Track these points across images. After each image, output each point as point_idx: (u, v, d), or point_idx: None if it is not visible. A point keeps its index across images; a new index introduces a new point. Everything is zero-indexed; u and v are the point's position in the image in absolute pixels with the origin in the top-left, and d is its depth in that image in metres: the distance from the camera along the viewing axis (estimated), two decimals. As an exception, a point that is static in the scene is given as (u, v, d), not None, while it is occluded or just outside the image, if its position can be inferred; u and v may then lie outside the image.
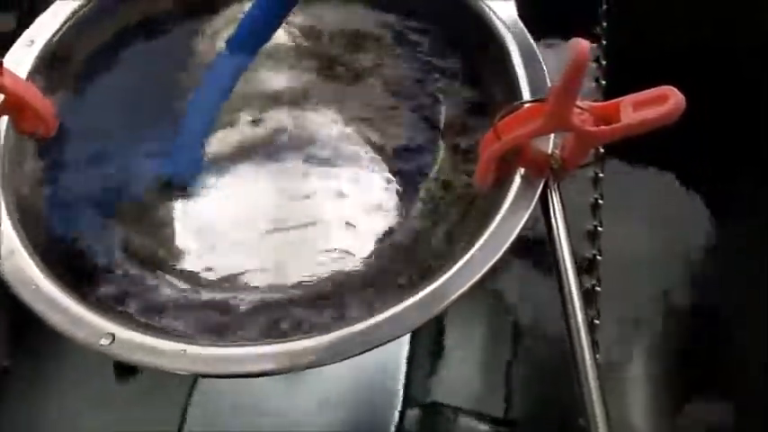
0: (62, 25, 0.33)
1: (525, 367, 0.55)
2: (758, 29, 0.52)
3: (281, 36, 0.35)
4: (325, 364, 0.24)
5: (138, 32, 0.34)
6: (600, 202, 0.40)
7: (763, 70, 0.52)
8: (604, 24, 0.48)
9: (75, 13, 0.34)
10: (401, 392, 0.49)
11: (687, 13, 0.53)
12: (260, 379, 0.48)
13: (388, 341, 0.24)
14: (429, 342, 0.55)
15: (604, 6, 0.49)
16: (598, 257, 0.38)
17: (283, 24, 0.33)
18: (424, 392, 0.52)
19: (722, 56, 0.53)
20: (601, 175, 0.41)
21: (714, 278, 0.55)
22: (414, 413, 0.50)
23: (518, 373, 0.55)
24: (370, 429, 0.48)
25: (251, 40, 0.33)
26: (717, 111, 0.47)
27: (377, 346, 0.24)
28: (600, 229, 0.39)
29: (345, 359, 0.24)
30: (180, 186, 0.32)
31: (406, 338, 0.51)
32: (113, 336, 0.24)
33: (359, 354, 0.25)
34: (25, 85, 0.31)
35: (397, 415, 0.48)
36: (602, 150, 0.42)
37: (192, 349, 0.24)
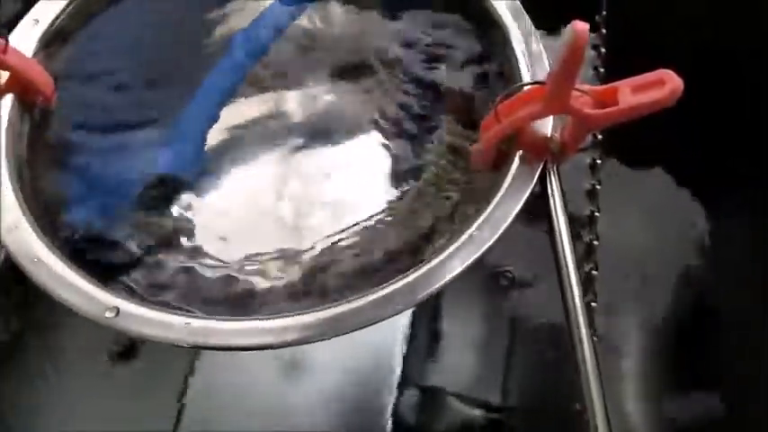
0: (66, 5, 0.34)
1: (522, 354, 0.56)
2: (758, 28, 0.52)
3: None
4: (324, 339, 0.25)
5: (143, 14, 0.35)
6: (597, 188, 0.41)
7: (762, 69, 0.52)
8: (604, 13, 0.49)
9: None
10: (398, 377, 0.50)
11: (687, 8, 0.54)
12: (259, 363, 0.49)
13: (388, 318, 0.25)
14: (426, 328, 0.55)
15: (604, 13, 0.49)
16: (595, 242, 0.38)
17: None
18: (420, 378, 0.53)
19: (721, 53, 0.54)
20: (598, 161, 0.42)
21: (707, 275, 0.55)
22: (410, 398, 0.51)
23: (514, 359, 0.56)
24: (367, 414, 0.49)
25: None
26: (715, 102, 0.48)
27: (374, 323, 0.25)
28: (597, 214, 0.40)
29: (340, 335, 0.25)
30: (180, 180, 0.32)
31: (405, 324, 0.52)
32: (118, 309, 0.25)
33: (356, 330, 0.25)
34: (30, 63, 0.32)
35: (393, 400, 0.49)
36: (599, 136, 0.43)
37: (196, 323, 0.24)
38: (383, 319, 0.25)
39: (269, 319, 0.24)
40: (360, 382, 0.50)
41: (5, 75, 0.31)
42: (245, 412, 0.50)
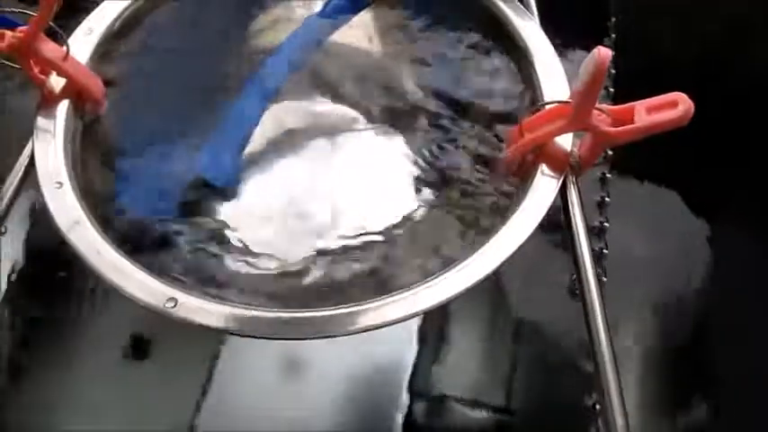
0: (119, 15, 0.36)
1: (525, 360, 0.58)
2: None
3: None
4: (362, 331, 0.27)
5: (192, 26, 0.37)
6: (607, 200, 0.43)
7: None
8: (613, 36, 0.52)
9: (132, 4, 0.36)
10: (407, 383, 0.51)
11: (694, 30, 0.56)
12: (275, 372, 0.51)
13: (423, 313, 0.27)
14: (434, 337, 0.57)
15: (613, 20, 0.52)
16: (605, 251, 0.40)
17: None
18: (429, 384, 0.55)
19: (727, 77, 0.56)
20: (608, 175, 0.44)
21: (704, 289, 0.57)
22: (419, 403, 0.53)
23: (519, 365, 0.58)
24: (378, 418, 0.51)
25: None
26: (720, 123, 0.50)
27: (410, 318, 0.27)
28: (606, 224, 0.42)
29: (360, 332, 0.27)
30: (219, 182, 0.34)
31: (415, 331, 0.54)
32: (176, 300, 0.27)
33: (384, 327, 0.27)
34: (85, 71, 0.34)
35: (405, 405, 0.51)
36: (609, 152, 0.46)
37: (248, 313, 0.26)
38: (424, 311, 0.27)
39: (324, 310, 0.27)
40: (372, 388, 0.52)
41: (62, 81, 0.34)
42: (259, 415, 0.52)
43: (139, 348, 0.55)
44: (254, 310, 0.27)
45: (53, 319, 0.57)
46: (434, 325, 0.57)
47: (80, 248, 0.28)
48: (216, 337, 0.53)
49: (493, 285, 0.58)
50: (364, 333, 0.49)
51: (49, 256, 0.53)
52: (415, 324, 0.54)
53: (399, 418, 0.50)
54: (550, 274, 0.55)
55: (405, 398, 0.51)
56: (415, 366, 0.53)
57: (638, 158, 0.49)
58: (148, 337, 0.55)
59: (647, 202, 0.58)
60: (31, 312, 0.56)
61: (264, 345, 0.53)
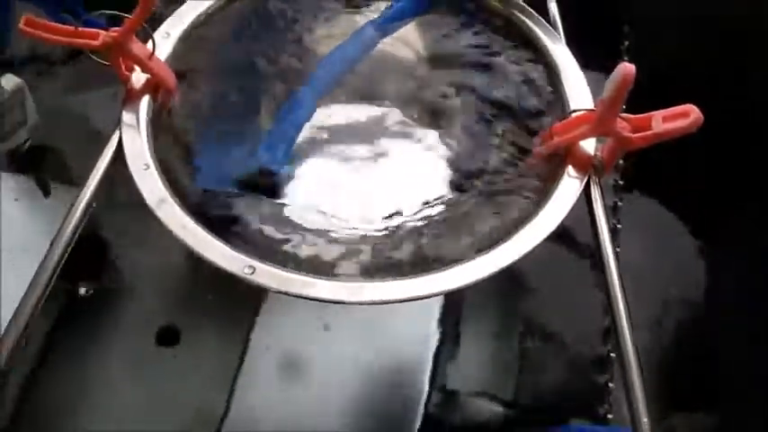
0: (192, 22, 0.41)
1: (532, 358, 0.61)
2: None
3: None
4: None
5: (260, 30, 0.41)
6: (619, 204, 0.47)
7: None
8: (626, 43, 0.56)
9: (205, 11, 0.41)
10: (428, 378, 0.55)
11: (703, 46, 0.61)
12: (302, 360, 0.53)
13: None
14: (450, 334, 0.61)
15: (626, 44, 0.57)
16: (617, 249, 0.44)
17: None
18: (444, 379, 0.58)
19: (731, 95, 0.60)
20: (620, 182, 0.49)
21: (704, 300, 0.61)
22: (437, 398, 0.56)
23: (526, 362, 0.61)
24: (400, 409, 0.53)
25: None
26: (722, 141, 0.54)
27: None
28: (619, 226, 0.46)
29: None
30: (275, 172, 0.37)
31: (435, 326, 0.57)
32: (254, 267, 0.31)
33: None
34: (165, 68, 0.38)
35: (424, 397, 0.54)
36: (621, 162, 0.50)
37: (320, 282, 0.30)
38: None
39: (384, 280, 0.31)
40: (392, 384, 0.55)
41: (143, 77, 0.38)
42: (288, 401, 0.54)
43: (169, 337, 0.59)
44: (322, 278, 0.31)
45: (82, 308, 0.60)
46: (451, 325, 0.61)
47: (168, 223, 0.32)
48: (246, 325, 0.56)
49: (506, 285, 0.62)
50: (386, 333, 0.53)
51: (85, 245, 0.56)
52: (435, 322, 0.57)
53: (420, 413, 0.53)
54: (563, 278, 0.60)
55: (426, 394, 0.54)
56: (435, 363, 0.56)
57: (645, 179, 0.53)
58: (178, 327, 0.59)
59: (647, 218, 0.62)
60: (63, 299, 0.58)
61: (293, 335, 0.56)
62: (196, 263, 0.60)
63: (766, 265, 0.57)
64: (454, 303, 0.60)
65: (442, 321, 0.58)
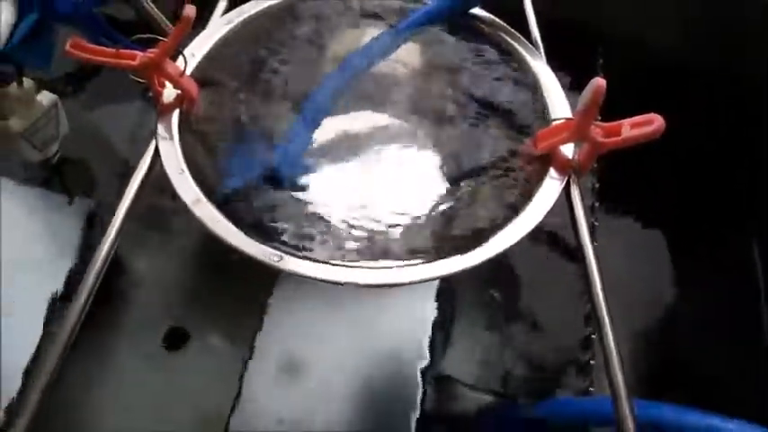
0: (216, 43, 0.45)
1: (518, 351, 0.65)
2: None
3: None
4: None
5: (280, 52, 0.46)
6: (596, 204, 0.53)
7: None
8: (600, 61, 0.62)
9: (227, 33, 0.46)
10: (423, 369, 0.57)
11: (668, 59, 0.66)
12: (306, 358, 0.55)
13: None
14: (444, 329, 0.64)
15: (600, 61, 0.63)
16: (595, 243, 0.50)
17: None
18: (438, 370, 0.61)
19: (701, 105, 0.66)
20: (597, 185, 0.54)
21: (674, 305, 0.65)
22: (431, 388, 0.58)
23: (513, 355, 0.65)
24: (396, 401, 0.56)
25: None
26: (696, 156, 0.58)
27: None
28: (596, 224, 0.51)
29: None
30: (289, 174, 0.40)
31: (430, 318, 0.60)
32: (281, 256, 0.35)
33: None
34: (193, 84, 0.43)
35: (420, 387, 0.56)
36: (595, 165, 0.55)
37: (346, 271, 0.35)
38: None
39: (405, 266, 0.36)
40: (388, 375, 0.57)
41: (174, 92, 0.43)
42: (295, 401, 0.55)
43: (176, 339, 0.61)
44: (344, 266, 0.35)
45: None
46: (445, 321, 0.64)
47: (203, 219, 0.37)
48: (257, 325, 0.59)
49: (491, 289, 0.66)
50: (382, 325, 0.55)
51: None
52: (431, 314, 0.60)
53: (417, 405, 0.55)
54: (550, 274, 0.63)
55: (422, 385, 0.56)
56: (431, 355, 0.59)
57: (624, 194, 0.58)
58: (186, 329, 0.61)
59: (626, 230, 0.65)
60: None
61: (298, 337, 0.58)
62: (203, 265, 0.64)
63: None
64: (448, 303, 0.64)
65: (439, 321, 0.62)
